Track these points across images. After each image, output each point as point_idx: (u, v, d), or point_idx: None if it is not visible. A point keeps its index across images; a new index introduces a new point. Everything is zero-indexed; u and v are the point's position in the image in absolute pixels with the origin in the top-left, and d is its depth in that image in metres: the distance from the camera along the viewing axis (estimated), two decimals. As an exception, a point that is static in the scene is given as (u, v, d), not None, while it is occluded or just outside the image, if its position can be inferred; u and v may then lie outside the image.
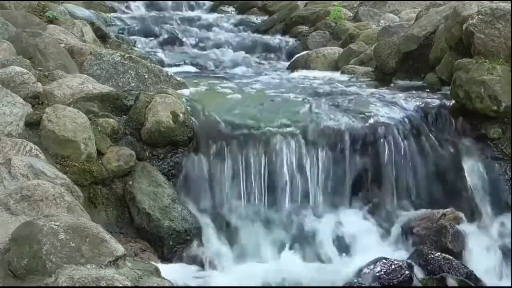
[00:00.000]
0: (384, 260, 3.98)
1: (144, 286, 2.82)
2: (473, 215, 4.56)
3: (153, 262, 3.59)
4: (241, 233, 4.27)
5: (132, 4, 10.27)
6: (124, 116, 4.56)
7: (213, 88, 5.57)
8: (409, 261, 4.05)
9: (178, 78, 5.47)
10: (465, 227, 4.43)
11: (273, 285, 3.91)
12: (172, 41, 8.58)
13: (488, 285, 4.07)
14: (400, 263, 3.96)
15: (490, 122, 4.77)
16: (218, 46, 8.48)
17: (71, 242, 2.78)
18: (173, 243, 4.05)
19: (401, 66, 5.95)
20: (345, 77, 6.16)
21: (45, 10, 6.85)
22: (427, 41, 5.81)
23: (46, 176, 3.59)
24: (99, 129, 4.32)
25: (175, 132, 4.42)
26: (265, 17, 9.94)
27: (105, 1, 9.83)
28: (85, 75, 4.96)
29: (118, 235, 3.98)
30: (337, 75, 6.30)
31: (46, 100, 4.42)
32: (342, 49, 7.13)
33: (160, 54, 7.84)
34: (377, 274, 3.88)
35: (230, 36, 8.86)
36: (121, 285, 2.63)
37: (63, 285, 2.60)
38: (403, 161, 4.64)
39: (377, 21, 8.08)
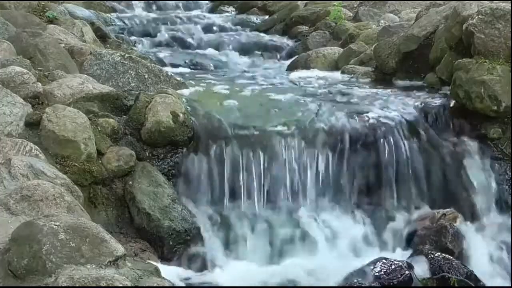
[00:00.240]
0: (384, 260, 3.97)
1: (144, 286, 2.82)
2: (473, 215, 4.56)
3: (153, 262, 3.58)
4: (241, 233, 4.27)
5: (132, 4, 10.26)
6: (124, 116, 4.55)
7: (213, 88, 5.56)
8: (409, 261, 4.05)
9: (178, 78, 5.47)
10: (465, 227, 4.44)
11: (273, 285, 3.91)
12: (172, 41, 8.57)
13: (488, 285, 4.07)
14: (400, 263, 3.95)
15: (490, 122, 4.76)
16: (218, 46, 8.45)
17: (71, 242, 2.78)
18: (173, 243, 4.05)
19: (401, 66, 5.93)
20: (345, 77, 6.15)
21: (45, 10, 6.85)
22: (427, 41, 5.80)
23: (46, 176, 3.59)
24: (99, 129, 4.31)
25: (175, 132, 4.42)
26: (265, 17, 9.92)
27: (105, 1, 9.83)
28: (85, 75, 4.96)
29: (118, 235, 3.98)
30: (337, 75, 6.28)
31: (46, 100, 4.41)
32: (342, 49, 7.12)
33: (160, 54, 7.81)
34: (377, 274, 3.88)
35: (230, 36, 8.85)
36: (121, 285, 2.63)
37: (63, 285, 2.60)
38: (403, 161, 4.63)
39: (377, 21, 8.06)
